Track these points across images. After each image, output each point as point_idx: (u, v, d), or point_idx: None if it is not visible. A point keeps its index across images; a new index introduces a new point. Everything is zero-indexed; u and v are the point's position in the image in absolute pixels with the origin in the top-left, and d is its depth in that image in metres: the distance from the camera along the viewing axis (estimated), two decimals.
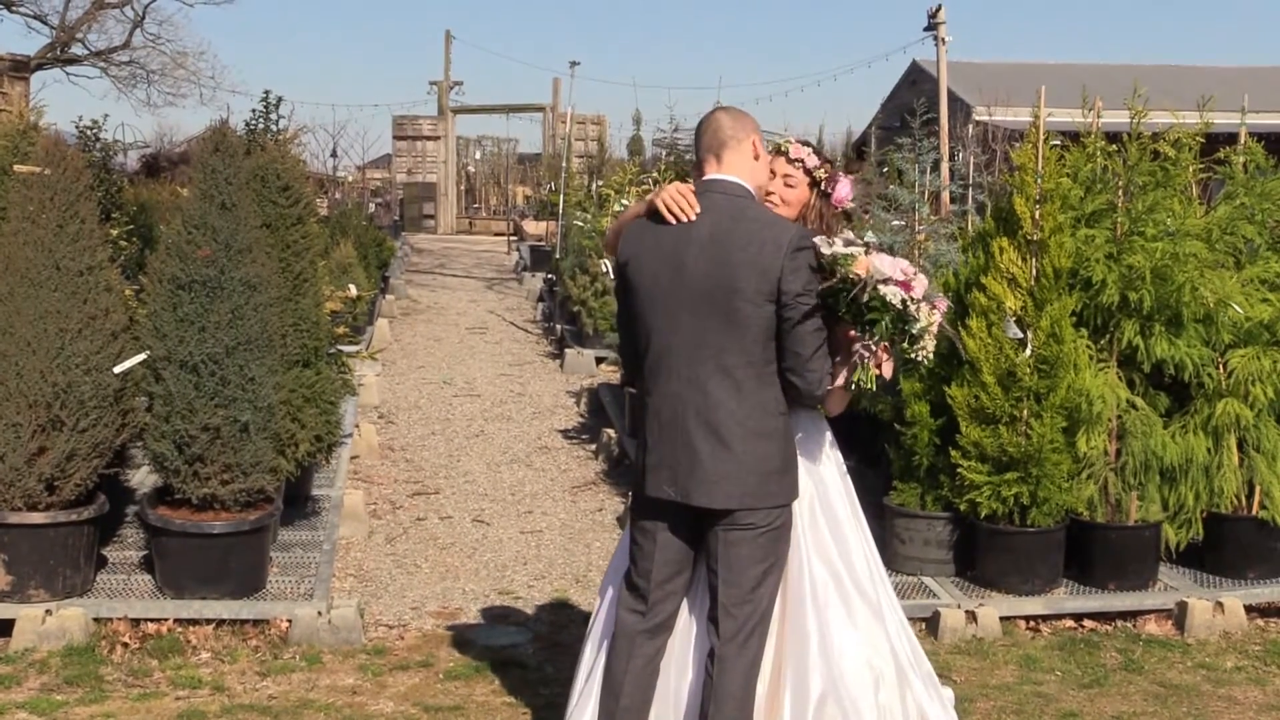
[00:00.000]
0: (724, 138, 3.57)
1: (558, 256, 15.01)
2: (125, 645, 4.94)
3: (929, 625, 5.38)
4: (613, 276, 3.84)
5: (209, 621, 5.10)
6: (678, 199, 3.52)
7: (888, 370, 3.59)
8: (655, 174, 12.91)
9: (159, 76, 25.03)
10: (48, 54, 23.57)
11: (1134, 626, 5.56)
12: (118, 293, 5.38)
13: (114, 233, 7.76)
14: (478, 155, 31.18)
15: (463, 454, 8.66)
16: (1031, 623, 5.54)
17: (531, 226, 22.78)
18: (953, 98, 18.12)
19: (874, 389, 3.58)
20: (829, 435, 3.83)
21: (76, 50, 24.30)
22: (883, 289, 3.43)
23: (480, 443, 9.00)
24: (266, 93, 11.15)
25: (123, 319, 5.31)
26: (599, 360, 11.56)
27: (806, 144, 3.84)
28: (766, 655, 3.62)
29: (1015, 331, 5.51)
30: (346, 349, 7.59)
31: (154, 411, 5.16)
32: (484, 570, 6.28)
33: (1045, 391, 5.51)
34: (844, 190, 3.83)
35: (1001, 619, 5.43)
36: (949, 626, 5.33)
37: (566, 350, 12.01)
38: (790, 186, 3.79)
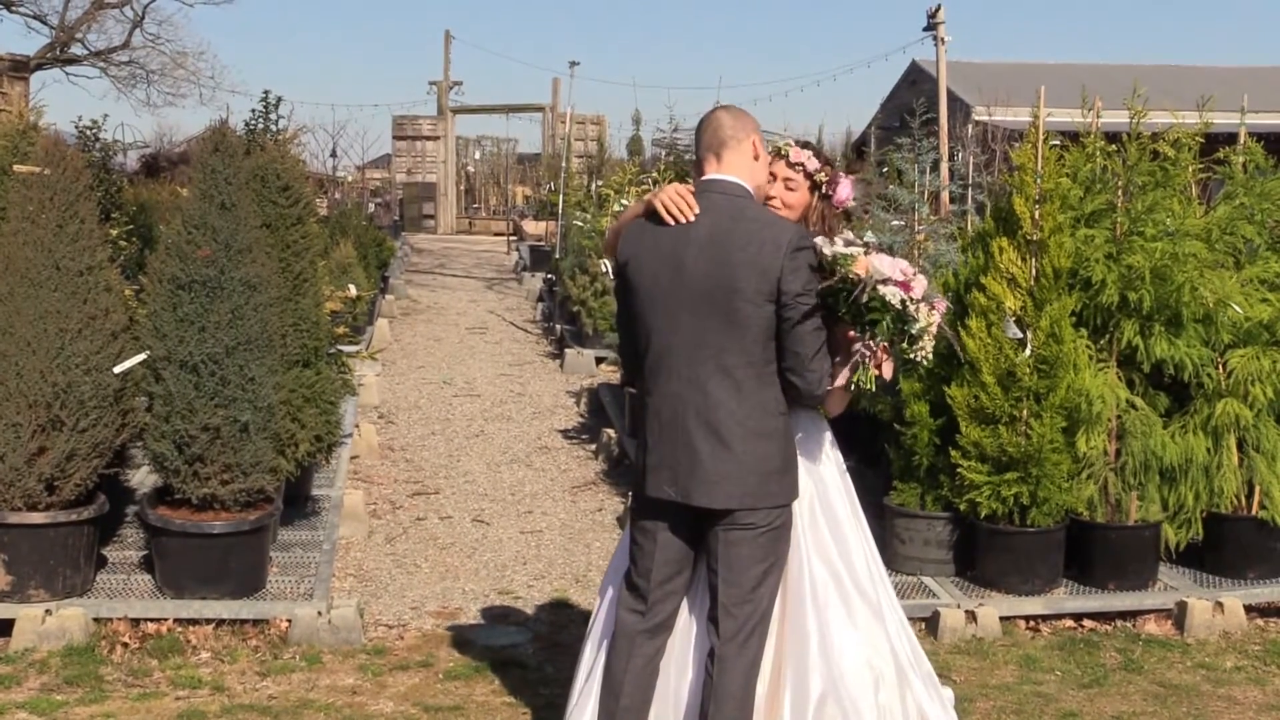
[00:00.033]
0: (724, 137, 3.57)
1: (557, 256, 15.01)
2: (125, 645, 4.94)
3: (929, 625, 5.38)
4: (612, 277, 3.83)
5: (209, 621, 5.10)
6: (677, 200, 3.52)
7: (887, 371, 3.60)
8: (655, 174, 12.92)
9: (159, 76, 25.06)
10: (47, 54, 23.57)
11: (1134, 626, 5.56)
12: (118, 293, 5.38)
13: (114, 233, 7.76)
14: (477, 155, 31.18)
15: (463, 454, 8.66)
16: (1031, 623, 5.54)
17: (531, 226, 22.78)
18: (952, 98, 18.12)
19: (874, 389, 3.58)
20: (829, 435, 3.83)
21: (76, 50, 24.31)
22: (882, 289, 3.44)
23: (480, 443, 9.00)
24: (266, 93, 11.15)
25: (123, 319, 5.31)
26: (599, 360, 11.57)
27: (807, 145, 3.84)
28: (766, 655, 3.62)
29: (1015, 331, 5.51)
30: (346, 349, 7.60)
31: (154, 411, 5.16)
32: (484, 570, 6.28)
33: (1045, 391, 5.52)
34: (845, 191, 3.83)
35: (1001, 619, 5.43)
36: (949, 626, 5.33)
37: (566, 350, 12.01)
38: (791, 190, 3.79)
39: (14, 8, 23.18)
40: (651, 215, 3.56)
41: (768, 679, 3.63)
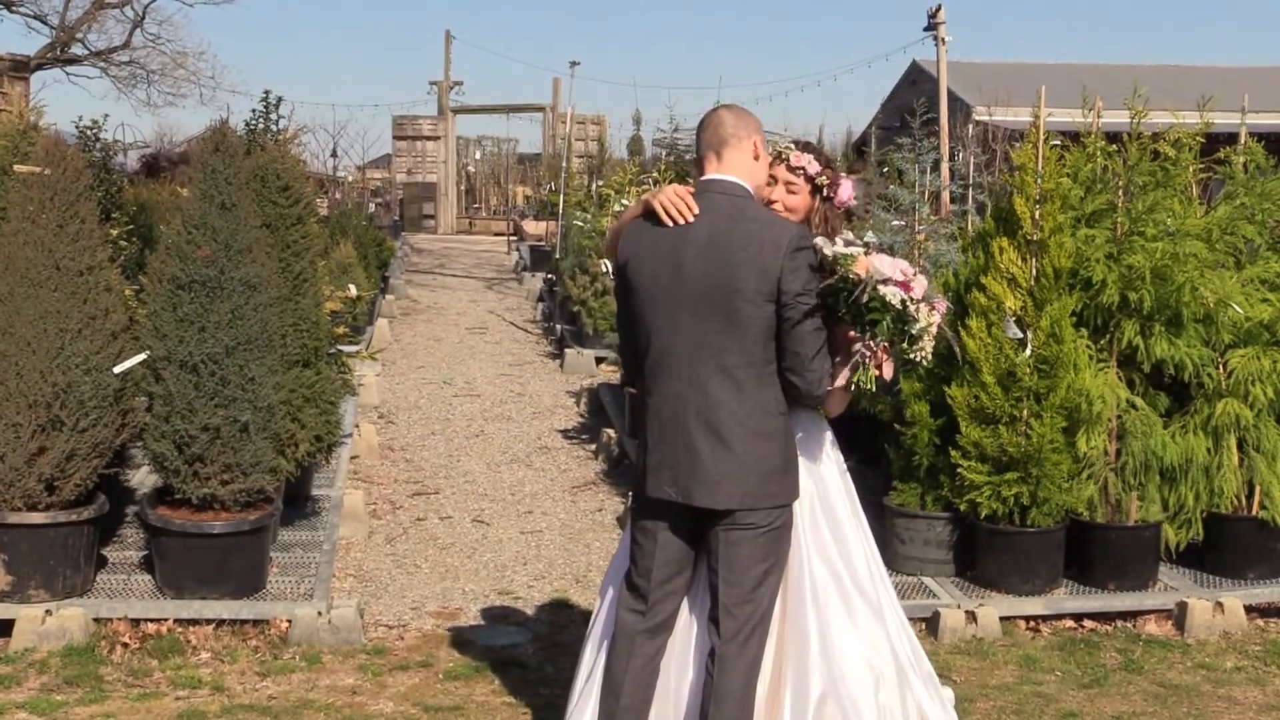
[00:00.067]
0: (725, 135, 3.57)
1: (558, 256, 15.01)
2: (125, 645, 4.94)
3: (929, 625, 5.38)
4: (612, 277, 3.83)
5: (209, 621, 5.10)
6: (675, 201, 3.52)
7: (887, 371, 3.60)
8: (655, 174, 12.92)
9: (159, 76, 25.06)
10: (48, 54, 23.57)
11: (1134, 626, 5.56)
12: (118, 293, 5.38)
13: (114, 233, 7.77)
14: (478, 155, 31.20)
15: (463, 454, 8.66)
16: (1031, 623, 5.54)
17: (531, 226, 22.78)
18: (953, 98, 18.12)
19: (874, 389, 3.58)
20: (829, 435, 3.83)
21: (76, 50, 24.30)
22: (882, 289, 3.44)
23: (480, 443, 9.00)
24: (266, 93, 11.17)
25: (123, 319, 5.31)
26: (599, 360, 11.57)
27: (807, 146, 3.83)
28: (767, 655, 3.62)
29: (1015, 331, 5.51)
30: (346, 349, 7.60)
31: (154, 411, 5.16)
32: (484, 570, 6.28)
33: (1045, 391, 5.51)
34: (846, 192, 3.83)
35: (1001, 619, 5.43)
36: (949, 626, 5.33)
37: (566, 350, 12.01)
38: (793, 193, 3.78)
39: (14, 8, 23.19)
40: (650, 215, 3.56)
41: (768, 679, 3.63)
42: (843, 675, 3.63)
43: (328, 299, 7.79)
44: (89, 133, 10.75)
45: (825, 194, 3.81)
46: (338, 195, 20.65)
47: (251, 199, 5.63)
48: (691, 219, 3.50)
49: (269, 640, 5.07)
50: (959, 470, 5.58)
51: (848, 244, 3.56)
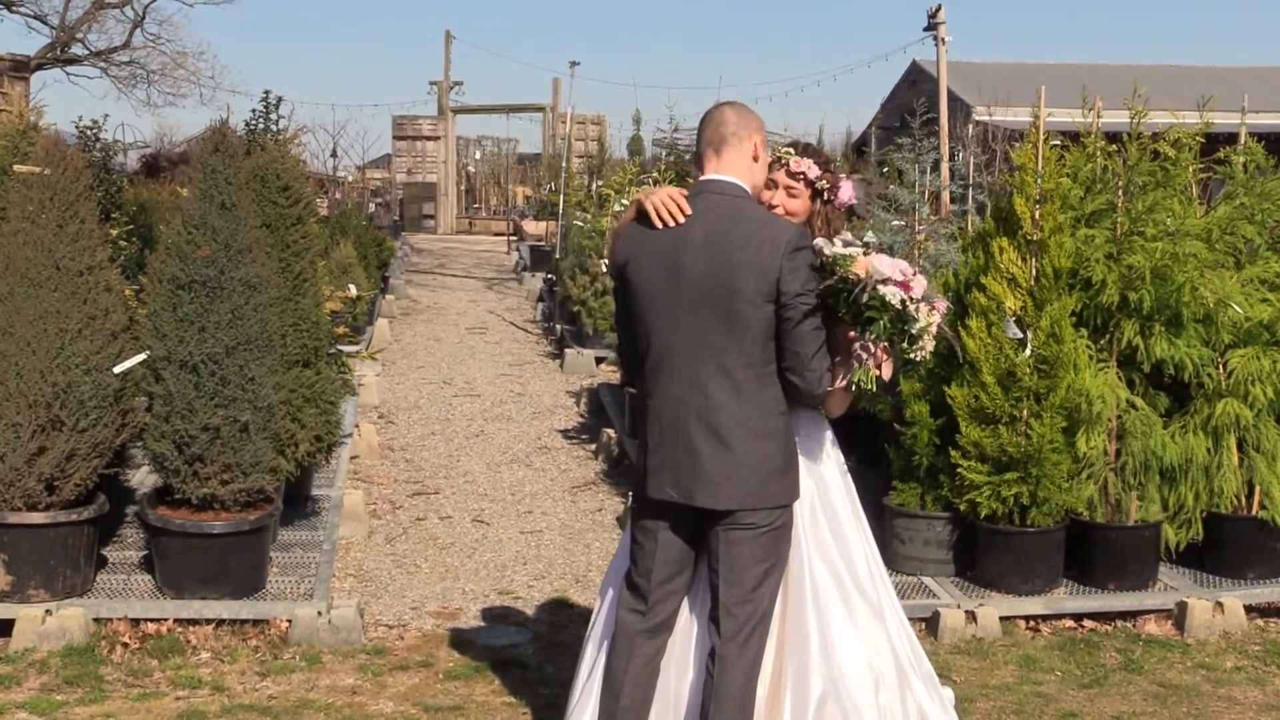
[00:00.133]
0: (725, 134, 3.56)
1: (558, 256, 15.01)
2: (125, 645, 4.94)
3: (929, 625, 5.38)
4: (611, 278, 3.83)
5: (209, 621, 5.10)
6: (667, 203, 3.52)
7: (887, 371, 3.60)
8: (655, 174, 12.91)
9: (159, 76, 25.05)
10: (48, 54, 23.57)
11: (1134, 626, 5.56)
12: (118, 293, 5.38)
13: (114, 233, 7.76)
14: (478, 155, 31.20)
15: (463, 454, 8.66)
16: (1031, 623, 5.54)
17: (531, 226, 22.79)
18: (953, 98, 18.12)
19: (874, 389, 3.58)
20: (829, 435, 3.83)
21: (76, 50, 24.30)
22: (882, 289, 3.44)
23: (480, 443, 9.00)
24: (266, 93, 11.17)
25: (123, 319, 5.31)
26: (599, 360, 11.57)
27: (807, 148, 3.83)
28: (767, 655, 3.62)
29: (1015, 331, 5.51)
30: (346, 349, 7.60)
31: (154, 411, 5.16)
32: (484, 570, 6.28)
33: (1045, 391, 5.51)
34: (846, 194, 3.83)
35: (1001, 619, 5.43)
36: (949, 626, 5.33)
37: (566, 350, 12.01)
38: (793, 197, 3.78)
39: (14, 8, 23.19)
40: (642, 216, 3.56)
41: (768, 679, 3.63)
42: (843, 675, 3.63)
43: (328, 299, 7.80)
44: (89, 133, 10.75)
45: (825, 197, 3.81)
46: (338, 195, 20.66)
47: (251, 199, 5.63)
48: (683, 220, 3.50)
49: (269, 640, 5.07)
50: (959, 470, 5.58)
51: (847, 244, 3.56)
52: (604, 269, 11.11)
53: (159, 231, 7.34)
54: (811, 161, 3.77)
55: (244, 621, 5.13)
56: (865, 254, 3.50)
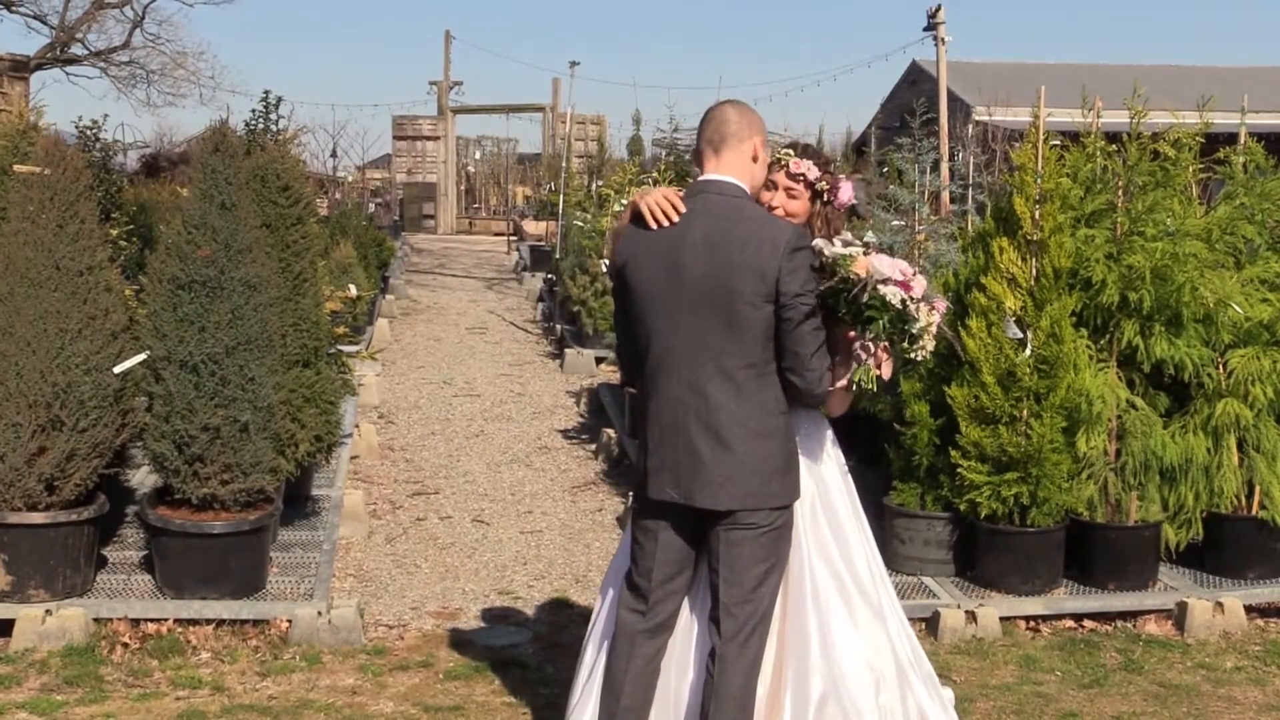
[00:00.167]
0: (726, 133, 3.56)
1: (558, 256, 15.01)
2: (125, 645, 4.94)
3: (929, 625, 5.38)
4: (610, 278, 3.83)
5: (209, 621, 5.10)
6: (661, 203, 3.53)
7: (887, 370, 3.60)
8: (655, 174, 12.91)
9: (159, 76, 25.06)
10: (48, 54, 23.57)
11: (1134, 626, 5.56)
12: (118, 293, 5.38)
13: (114, 233, 7.76)
14: (477, 155, 31.19)
15: (463, 454, 8.66)
16: (1031, 623, 5.54)
17: (531, 226, 22.79)
18: (952, 98, 18.13)
19: (874, 389, 3.59)
20: (830, 434, 3.83)
21: (76, 50, 24.30)
22: (882, 289, 3.44)
23: (480, 443, 9.00)
24: (266, 93, 11.16)
25: (123, 319, 5.31)
26: (599, 360, 11.57)
27: (807, 149, 3.83)
28: (767, 655, 3.62)
29: (1015, 331, 5.51)
30: (346, 349, 7.60)
31: (154, 411, 5.16)
32: (484, 570, 6.28)
33: (1045, 391, 5.51)
34: (845, 194, 3.83)
35: (1001, 619, 5.43)
36: (949, 626, 5.33)
37: (566, 350, 12.01)
38: (793, 198, 3.78)
39: (14, 8, 23.19)
40: (639, 218, 3.57)
41: (768, 679, 3.63)
42: (843, 676, 3.63)
43: (328, 299, 7.80)
44: (89, 133, 10.75)
45: (825, 198, 3.82)
46: (338, 195, 20.65)
47: (251, 199, 5.63)
48: (677, 219, 3.50)
49: (269, 640, 5.07)
50: (959, 470, 5.58)
51: (847, 244, 3.56)
52: (604, 269, 11.12)
53: (159, 231, 7.34)
54: (811, 163, 3.77)
55: (244, 621, 5.13)
56: (865, 254, 3.50)
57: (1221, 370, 5.94)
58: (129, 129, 43.89)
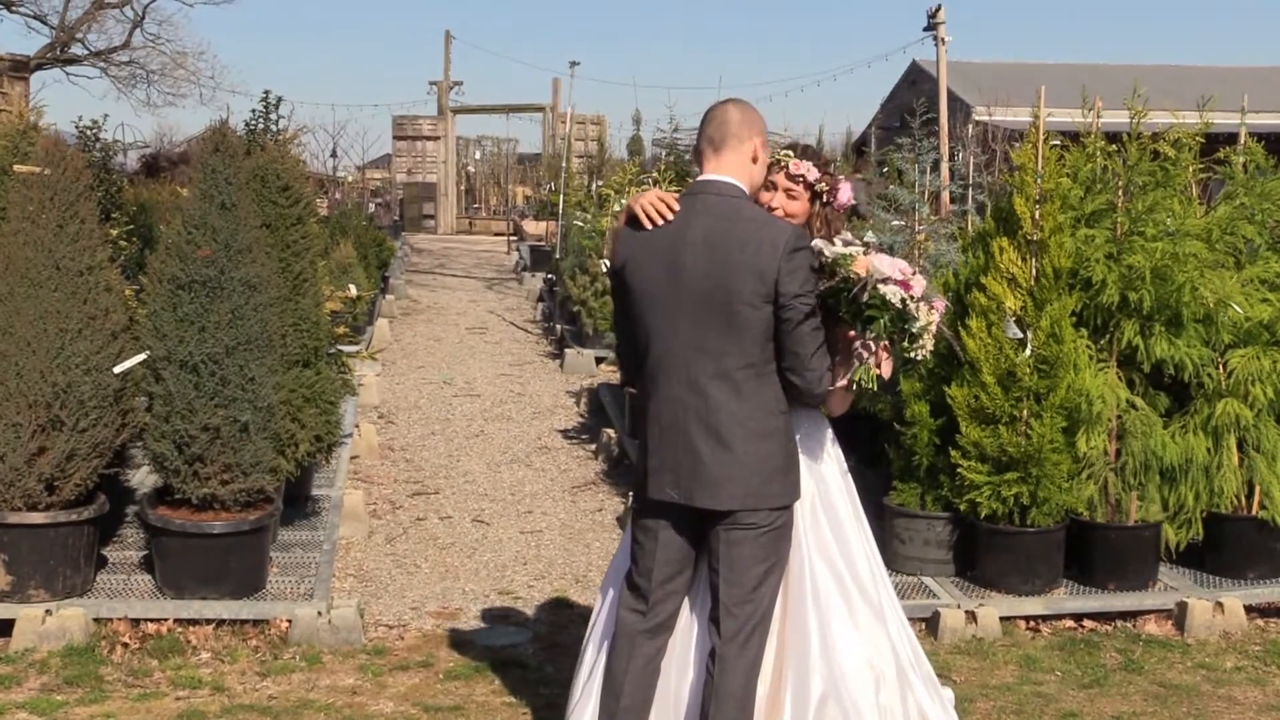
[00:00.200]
0: (727, 133, 3.56)
1: (558, 256, 15.01)
2: (125, 645, 4.94)
3: (929, 625, 5.38)
4: (609, 278, 3.84)
5: (209, 621, 5.10)
6: (656, 204, 3.54)
7: (887, 368, 3.60)
8: (655, 174, 12.92)
9: (159, 76, 25.06)
10: (48, 54, 23.57)
11: (1134, 626, 5.56)
12: (118, 293, 5.38)
13: (114, 233, 7.76)
14: (478, 155, 31.19)
15: (463, 454, 8.66)
16: (1031, 623, 5.54)
17: (531, 226, 22.79)
18: (952, 98, 18.13)
19: (874, 388, 3.59)
20: (830, 434, 3.83)
21: (76, 50, 24.31)
22: (882, 288, 3.44)
23: (480, 443, 9.00)
24: (266, 93, 11.16)
25: (123, 319, 5.31)
26: (599, 360, 11.57)
27: (806, 150, 3.83)
28: (767, 655, 3.62)
29: (1015, 331, 5.51)
30: (346, 349, 7.60)
31: (154, 411, 5.16)
32: (484, 570, 6.28)
33: (1045, 391, 5.51)
34: (845, 195, 3.83)
35: (1001, 619, 5.43)
36: (949, 626, 5.33)
37: (566, 350, 12.01)
38: (793, 199, 3.78)
39: (14, 8, 23.19)
40: (635, 220, 3.58)
41: (769, 679, 3.63)
42: (843, 675, 3.63)
43: (328, 299, 7.80)
44: (89, 133, 10.75)
45: (825, 199, 3.82)
46: (338, 195, 20.65)
47: (251, 199, 5.63)
48: (671, 217, 3.50)
49: (269, 640, 5.07)
50: (959, 470, 5.58)
51: (847, 244, 3.56)
52: (604, 269, 11.12)
53: (159, 231, 7.34)
54: (810, 164, 3.77)
55: (244, 621, 5.13)
56: (865, 254, 3.51)
57: (1221, 370, 5.94)
58: (129, 129, 43.95)
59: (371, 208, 22.67)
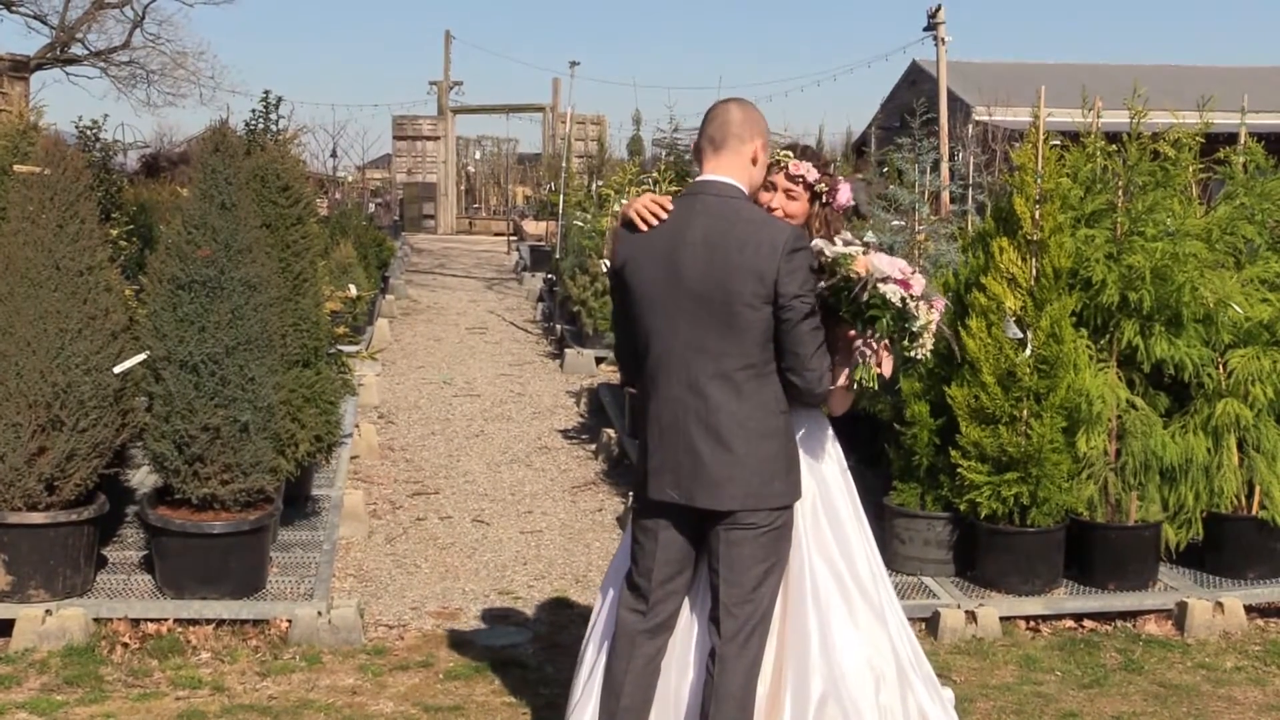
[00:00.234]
0: (728, 133, 3.55)
1: (558, 256, 15.01)
2: (125, 645, 4.94)
3: (929, 625, 5.38)
4: (608, 279, 3.85)
5: (209, 621, 5.10)
6: (650, 206, 3.55)
7: (887, 368, 3.60)
8: (655, 174, 12.91)
9: (159, 76, 25.06)
10: (48, 54, 23.57)
11: (1134, 626, 5.56)
12: (118, 293, 5.38)
13: (114, 233, 7.76)
14: (477, 155, 31.19)
15: (463, 454, 8.66)
16: (1031, 623, 5.54)
17: (531, 226, 22.79)
18: (952, 98, 18.12)
19: (876, 387, 3.59)
20: (830, 433, 3.83)
21: (76, 50, 24.31)
22: (882, 287, 3.45)
23: (480, 443, 9.00)
24: (266, 93, 11.16)
25: (123, 319, 5.31)
26: (599, 360, 11.57)
27: (805, 151, 3.83)
28: (767, 655, 3.62)
29: (1015, 331, 5.51)
30: (346, 349, 7.60)
31: (154, 411, 5.16)
32: (484, 570, 6.28)
33: (1045, 391, 5.51)
34: (844, 196, 3.83)
35: (1001, 619, 5.43)
36: (949, 626, 5.33)
37: (566, 350, 12.01)
38: (793, 199, 3.78)
39: (14, 8, 23.19)
40: (628, 224, 3.59)
41: (768, 679, 3.62)
42: (843, 675, 3.63)
43: (328, 299, 7.80)
44: (89, 133, 10.75)
45: (824, 200, 3.82)
46: (338, 195, 20.65)
47: (251, 199, 5.63)
48: (665, 216, 3.51)
49: (269, 640, 5.07)
50: (959, 470, 5.58)
51: (846, 244, 3.56)
52: (604, 269, 11.12)
53: (159, 231, 7.34)
54: (810, 164, 3.77)
55: (244, 621, 5.13)
56: (864, 253, 3.51)
57: (1221, 370, 5.94)
58: (129, 129, 43.97)
59: (371, 208, 22.68)
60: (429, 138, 29.26)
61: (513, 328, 14.48)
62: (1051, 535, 5.60)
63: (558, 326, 13.27)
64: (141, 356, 5.15)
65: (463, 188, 30.33)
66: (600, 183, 16.71)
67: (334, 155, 23.88)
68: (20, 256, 5.08)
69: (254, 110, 11.59)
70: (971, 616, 5.37)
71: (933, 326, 3.54)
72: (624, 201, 11.64)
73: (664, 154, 16.19)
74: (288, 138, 10.55)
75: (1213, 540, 5.87)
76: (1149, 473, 5.77)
